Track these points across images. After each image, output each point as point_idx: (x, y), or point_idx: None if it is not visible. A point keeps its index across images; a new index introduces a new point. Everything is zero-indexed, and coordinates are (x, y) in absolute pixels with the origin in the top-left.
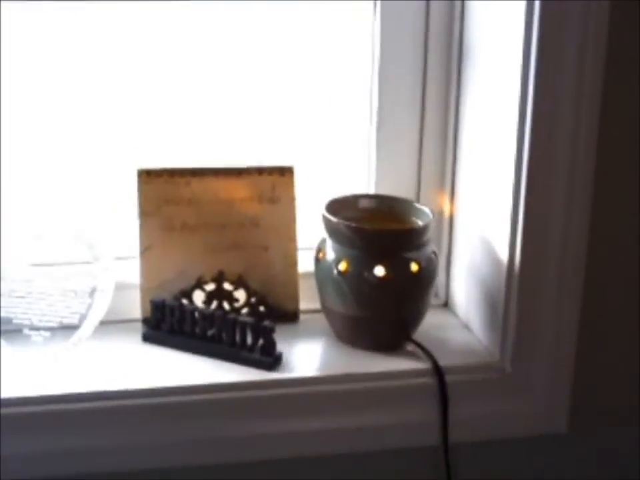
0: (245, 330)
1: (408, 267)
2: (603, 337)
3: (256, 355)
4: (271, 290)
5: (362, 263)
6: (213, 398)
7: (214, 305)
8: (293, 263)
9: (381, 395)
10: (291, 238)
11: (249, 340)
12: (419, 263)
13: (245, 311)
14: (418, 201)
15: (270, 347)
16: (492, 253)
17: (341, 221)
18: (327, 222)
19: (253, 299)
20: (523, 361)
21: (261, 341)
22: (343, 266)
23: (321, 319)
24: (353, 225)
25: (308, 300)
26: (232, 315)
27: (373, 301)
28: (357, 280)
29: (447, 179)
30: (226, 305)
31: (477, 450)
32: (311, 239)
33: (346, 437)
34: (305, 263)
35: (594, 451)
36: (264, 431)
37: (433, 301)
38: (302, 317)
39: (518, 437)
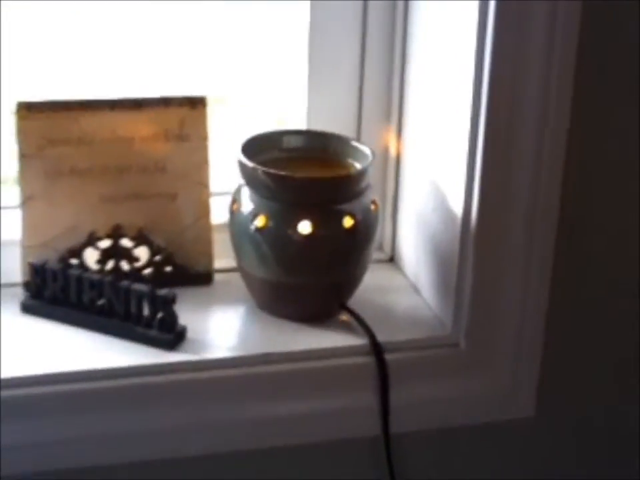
0: (141, 300)
1: (340, 222)
2: (577, 304)
3: (154, 331)
4: (179, 246)
5: (283, 218)
6: (99, 387)
7: (110, 265)
8: (206, 214)
9: (308, 378)
10: (203, 183)
11: (146, 312)
12: (353, 217)
13: (147, 271)
14: (359, 138)
15: (170, 321)
16: (444, 202)
17: (257, 166)
18: (241, 167)
19: (157, 258)
20: (481, 334)
21: (159, 314)
22: (260, 221)
23: (240, 280)
24: (272, 171)
25: (225, 257)
26: (125, 283)
27: (299, 263)
28: (278, 238)
29: (393, 111)
30: (125, 265)
31: (427, 440)
32: (232, 182)
33: (266, 429)
34: (222, 213)
35: (565, 435)
36: (163, 425)
37: (376, 255)
38: (217, 277)
39: (475, 424)
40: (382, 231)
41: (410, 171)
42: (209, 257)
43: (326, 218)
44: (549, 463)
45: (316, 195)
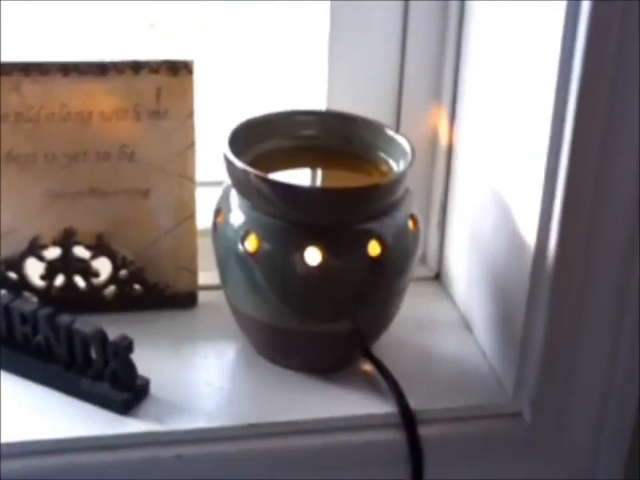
0: (88, 344)
1: (364, 249)
2: None
3: (105, 386)
4: (152, 258)
5: (284, 241)
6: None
7: (59, 281)
8: (189, 216)
9: (313, 458)
10: (186, 176)
11: (95, 358)
12: (382, 241)
13: (110, 290)
14: (397, 123)
15: (126, 374)
16: (510, 221)
17: (248, 168)
18: (228, 165)
19: (121, 273)
20: (551, 402)
21: (112, 364)
22: (251, 243)
23: None
24: (268, 177)
25: (214, 269)
26: (65, 319)
27: (305, 303)
28: (276, 268)
29: (444, 90)
30: (80, 282)
31: None
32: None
33: None
34: (210, 212)
35: None
36: None
37: (419, 272)
38: (202, 297)
39: None
40: (426, 242)
41: (464, 170)
42: (193, 271)
43: (343, 243)
44: None
45: (330, 210)
